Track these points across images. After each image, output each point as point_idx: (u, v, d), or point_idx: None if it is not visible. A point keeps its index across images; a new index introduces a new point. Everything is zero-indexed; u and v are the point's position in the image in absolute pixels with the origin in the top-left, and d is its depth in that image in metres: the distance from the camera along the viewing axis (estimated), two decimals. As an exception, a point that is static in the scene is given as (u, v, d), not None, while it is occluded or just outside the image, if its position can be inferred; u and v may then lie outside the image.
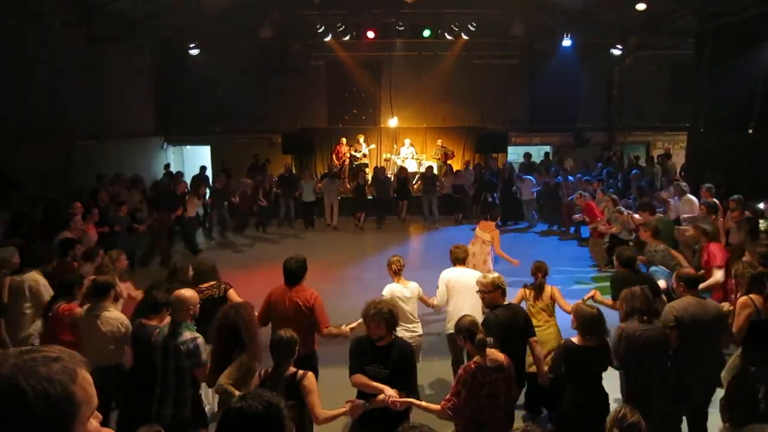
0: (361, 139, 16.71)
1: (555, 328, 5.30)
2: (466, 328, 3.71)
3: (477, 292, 4.75)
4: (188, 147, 19.49)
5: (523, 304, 5.31)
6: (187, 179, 15.04)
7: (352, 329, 4.73)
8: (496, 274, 4.84)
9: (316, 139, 17.43)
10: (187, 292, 4.15)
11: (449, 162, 16.34)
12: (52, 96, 12.04)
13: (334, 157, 16.87)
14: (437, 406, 3.66)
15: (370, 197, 14.88)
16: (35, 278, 5.47)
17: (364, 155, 16.56)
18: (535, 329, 4.76)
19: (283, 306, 4.63)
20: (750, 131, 12.08)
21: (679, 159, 16.47)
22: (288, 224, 14.34)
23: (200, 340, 4.03)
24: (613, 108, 18.57)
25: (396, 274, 5.43)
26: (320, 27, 16.27)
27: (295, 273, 4.73)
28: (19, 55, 11.02)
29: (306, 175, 14.75)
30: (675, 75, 17.68)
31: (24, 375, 1.12)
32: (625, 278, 5.26)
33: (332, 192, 14.24)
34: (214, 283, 5.19)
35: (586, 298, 5.13)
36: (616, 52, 16.65)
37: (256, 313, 4.43)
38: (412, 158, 16.26)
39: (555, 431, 4.33)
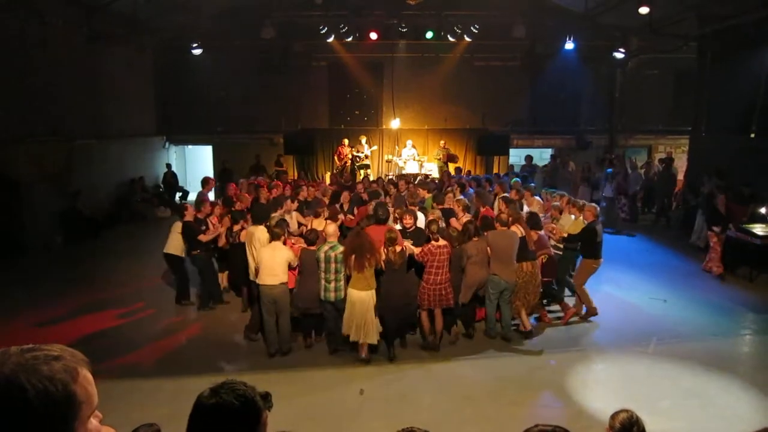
0: (363, 140, 16.71)
1: None
2: (436, 230, 6.91)
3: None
4: (190, 147, 19.52)
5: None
6: (189, 179, 15.12)
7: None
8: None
9: (318, 140, 17.45)
10: (333, 226, 7.06)
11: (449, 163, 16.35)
12: (53, 96, 12.05)
13: (336, 158, 16.88)
14: (417, 250, 6.93)
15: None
16: (262, 231, 7.41)
17: (366, 156, 16.56)
18: None
19: (378, 236, 6.88)
20: (752, 135, 12.09)
21: (681, 163, 16.47)
22: None
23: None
24: (614, 111, 18.59)
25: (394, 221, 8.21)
26: (323, 28, 16.26)
27: (384, 218, 7.50)
28: (20, 55, 11.04)
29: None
30: (677, 78, 17.71)
31: (25, 373, 1.11)
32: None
33: None
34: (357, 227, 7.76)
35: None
36: (619, 55, 16.65)
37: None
38: (414, 160, 16.25)
39: None
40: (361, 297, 6.47)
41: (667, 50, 15.84)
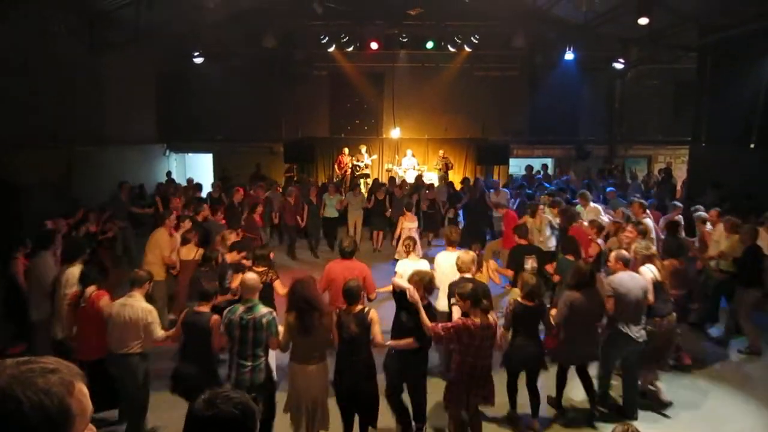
0: (363, 149, 16.74)
1: None
2: (472, 293, 4.65)
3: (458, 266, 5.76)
4: (190, 155, 19.55)
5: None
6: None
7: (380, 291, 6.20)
8: (472, 254, 5.92)
9: (318, 149, 17.47)
10: (251, 275, 4.94)
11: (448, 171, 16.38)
12: (55, 103, 12.07)
13: (336, 167, 16.91)
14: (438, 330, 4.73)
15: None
16: (73, 274, 5.73)
17: (366, 165, 16.58)
18: None
19: (342, 274, 5.68)
20: (752, 145, 12.09)
21: (680, 173, 16.48)
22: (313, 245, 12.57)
23: (275, 313, 4.76)
24: (614, 121, 18.63)
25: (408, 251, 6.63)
26: (324, 37, 16.35)
27: (350, 251, 6.10)
28: (22, 62, 11.07)
29: (330, 189, 12.98)
30: (677, 89, 17.75)
31: (21, 386, 1.11)
32: (523, 249, 6.86)
33: (357, 207, 12.74)
34: (264, 269, 5.93)
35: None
36: (618, 65, 16.72)
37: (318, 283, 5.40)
38: (414, 169, 16.29)
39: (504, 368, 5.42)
40: (309, 374, 4.60)
41: (666, 60, 15.90)
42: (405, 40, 16.50)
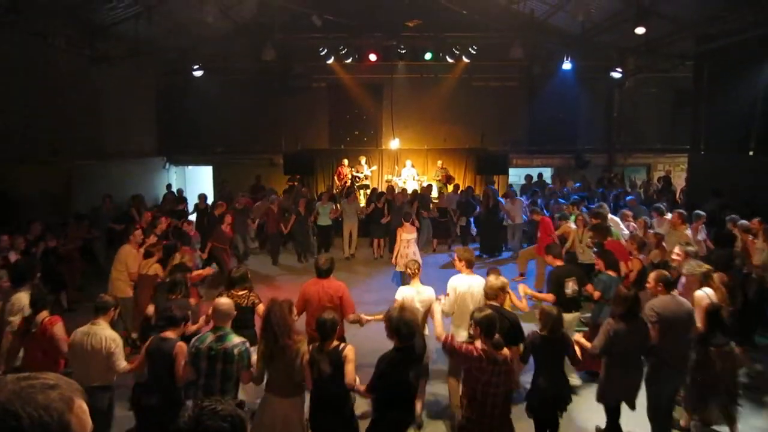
0: (363, 160, 16.79)
1: None
2: (484, 320, 4.10)
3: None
4: (190, 167, 19.58)
5: None
6: (189, 200, 15.14)
7: (368, 320, 5.58)
8: (502, 279, 5.31)
9: (318, 160, 17.50)
10: (224, 300, 4.54)
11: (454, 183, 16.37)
12: (55, 116, 12.12)
13: (335, 178, 16.93)
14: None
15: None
16: (22, 299, 5.46)
17: (366, 176, 16.61)
18: None
19: (317, 296, 5.32)
20: (750, 153, 12.11)
21: (679, 181, 16.49)
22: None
23: (248, 343, 4.34)
24: (613, 130, 18.68)
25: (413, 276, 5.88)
26: (322, 49, 16.44)
27: (326, 269, 5.48)
28: (22, 75, 11.12)
29: (323, 198, 13.34)
30: (675, 97, 17.82)
31: (21, 402, 1.10)
32: (561, 272, 6.30)
33: (352, 215, 12.97)
34: (244, 292, 5.53)
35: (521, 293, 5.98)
36: (616, 74, 16.79)
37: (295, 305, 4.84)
38: (413, 180, 16.31)
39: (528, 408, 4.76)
40: (284, 407, 4.14)
41: (664, 69, 15.98)
42: (403, 51, 16.58)
